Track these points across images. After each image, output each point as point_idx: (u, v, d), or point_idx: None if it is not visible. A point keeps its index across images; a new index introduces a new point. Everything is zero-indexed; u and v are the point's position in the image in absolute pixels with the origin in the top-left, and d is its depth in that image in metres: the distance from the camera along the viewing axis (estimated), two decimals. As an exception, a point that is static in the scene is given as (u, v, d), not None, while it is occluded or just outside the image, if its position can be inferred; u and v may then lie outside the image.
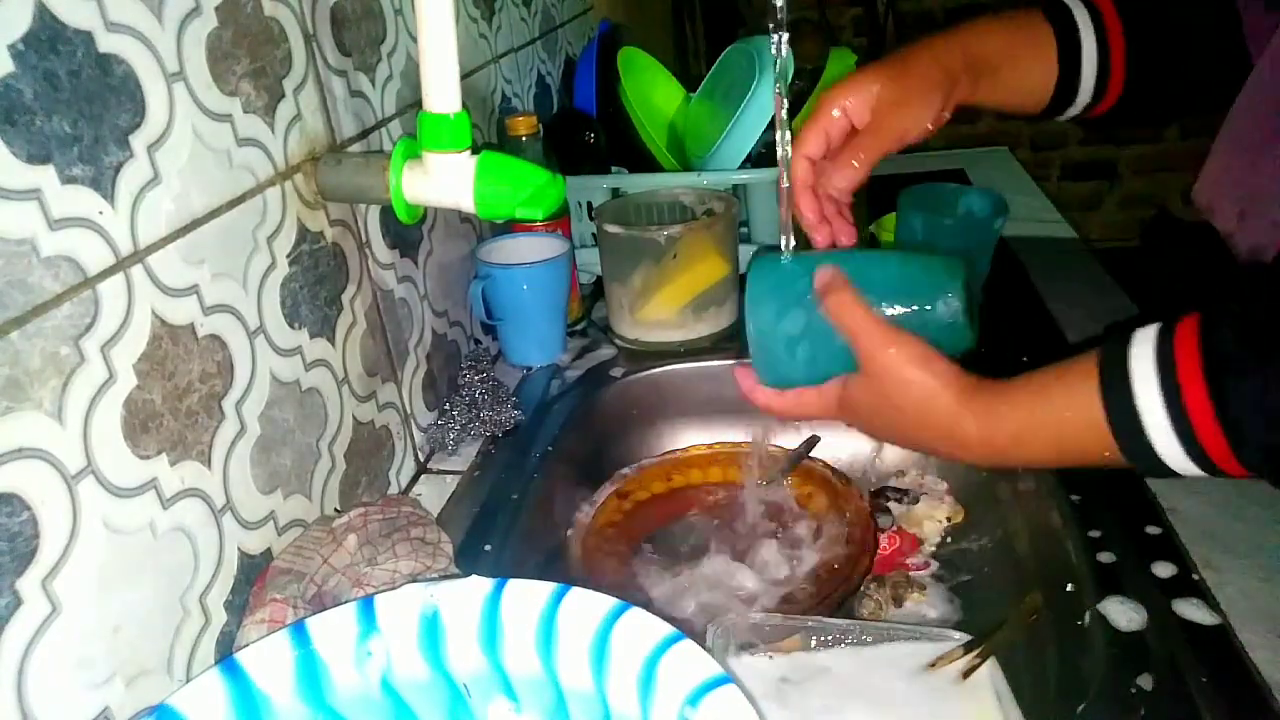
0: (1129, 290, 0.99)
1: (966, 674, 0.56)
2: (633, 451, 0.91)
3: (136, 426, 0.49)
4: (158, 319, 0.50)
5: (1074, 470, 0.64)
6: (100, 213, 0.46)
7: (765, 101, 0.96)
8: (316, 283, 0.66)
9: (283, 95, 0.62)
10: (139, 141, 0.49)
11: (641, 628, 0.41)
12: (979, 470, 0.80)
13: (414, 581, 0.46)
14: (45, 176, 0.43)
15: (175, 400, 0.52)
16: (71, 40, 0.45)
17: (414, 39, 0.80)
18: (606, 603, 0.43)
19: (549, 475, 0.80)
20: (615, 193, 1.03)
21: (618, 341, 0.98)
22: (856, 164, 0.61)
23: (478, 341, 0.96)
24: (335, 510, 0.67)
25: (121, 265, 0.48)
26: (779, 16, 0.56)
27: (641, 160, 1.12)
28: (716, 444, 0.88)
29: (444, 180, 0.60)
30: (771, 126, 0.94)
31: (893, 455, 0.86)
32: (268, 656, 0.43)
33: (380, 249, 0.75)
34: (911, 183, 0.93)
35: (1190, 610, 0.58)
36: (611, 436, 0.91)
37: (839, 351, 0.55)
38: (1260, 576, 0.60)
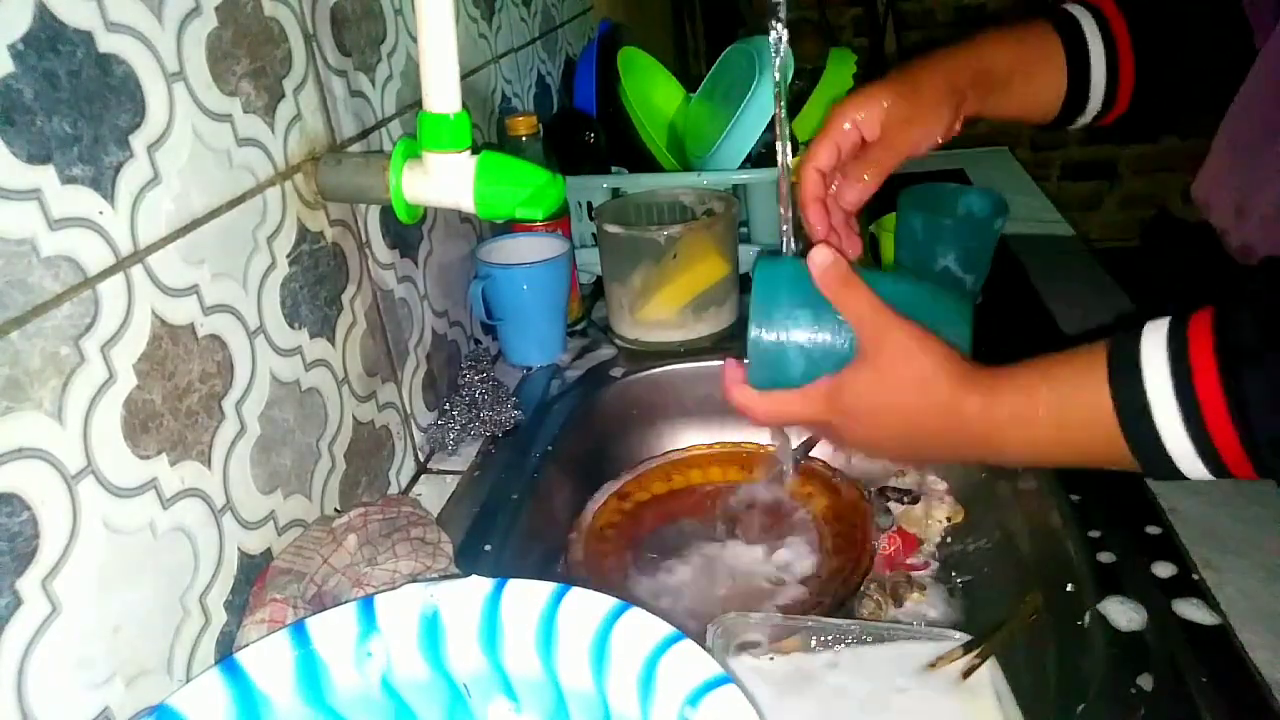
0: (1129, 290, 0.99)
1: (966, 674, 0.56)
2: (633, 451, 0.91)
3: (136, 426, 0.49)
4: (158, 319, 0.50)
5: (1074, 470, 0.64)
6: (100, 213, 0.46)
7: (765, 101, 0.96)
8: (316, 283, 0.66)
9: (283, 95, 0.62)
10: (139, 141, 0.49)
11: (641, 628, 0.41)
12: (979, 470, 0.80)
13: (414, 581, 0.46)
14: (45, 176, 0.43)
15: (175, 400, 0.52)
16: (71, 40, 0.45)
17: (414, 39, 0.80)
18: (606, 603, 0.43)
19: (549, 475, 0.80)
20: (615, 193, 1.03)
21: (618, 341, 0.98)
22: (868, 178, 0.61)
23: (478, 341, 0.96)
24: (335, 510, 0.67)
25: (121, 265, 0.48)
26: (779, 15, 0.56)
27: (641, 160, 1.12)
28: (716, 444, 0.88)
29: (444, 180, 0.60)
30: (771, 126, 0.94)
31: (893, 455, 0.86)
32: (268, 656, 0.43)
33: (380, 249, 0.75)
34: (911, 182, 0.93)
35: (1190, 610, 0.58)
36: (611, 436, 0.91)
37: (841, 363, 0.54)
38: (1260, 576, 0.60)
